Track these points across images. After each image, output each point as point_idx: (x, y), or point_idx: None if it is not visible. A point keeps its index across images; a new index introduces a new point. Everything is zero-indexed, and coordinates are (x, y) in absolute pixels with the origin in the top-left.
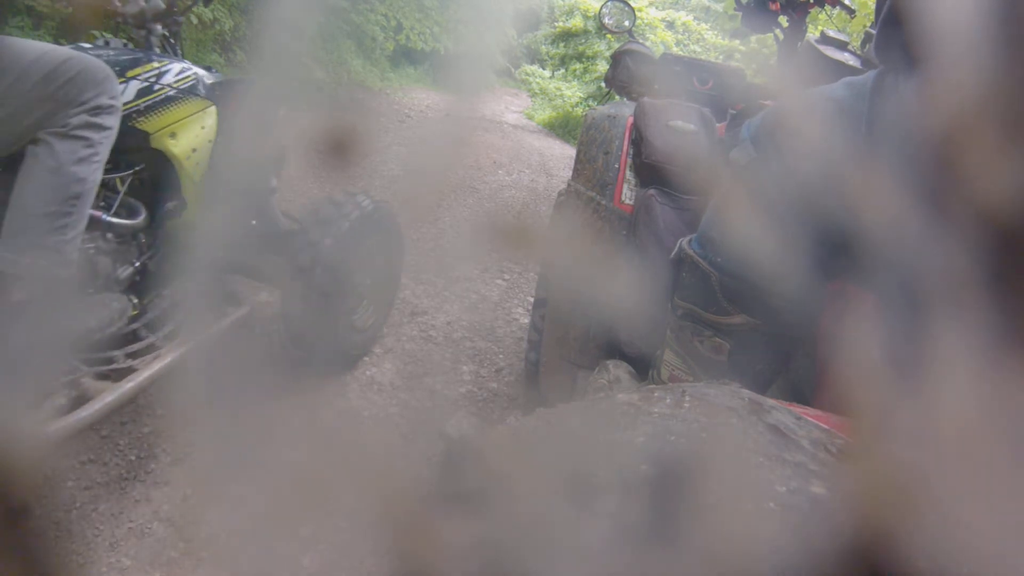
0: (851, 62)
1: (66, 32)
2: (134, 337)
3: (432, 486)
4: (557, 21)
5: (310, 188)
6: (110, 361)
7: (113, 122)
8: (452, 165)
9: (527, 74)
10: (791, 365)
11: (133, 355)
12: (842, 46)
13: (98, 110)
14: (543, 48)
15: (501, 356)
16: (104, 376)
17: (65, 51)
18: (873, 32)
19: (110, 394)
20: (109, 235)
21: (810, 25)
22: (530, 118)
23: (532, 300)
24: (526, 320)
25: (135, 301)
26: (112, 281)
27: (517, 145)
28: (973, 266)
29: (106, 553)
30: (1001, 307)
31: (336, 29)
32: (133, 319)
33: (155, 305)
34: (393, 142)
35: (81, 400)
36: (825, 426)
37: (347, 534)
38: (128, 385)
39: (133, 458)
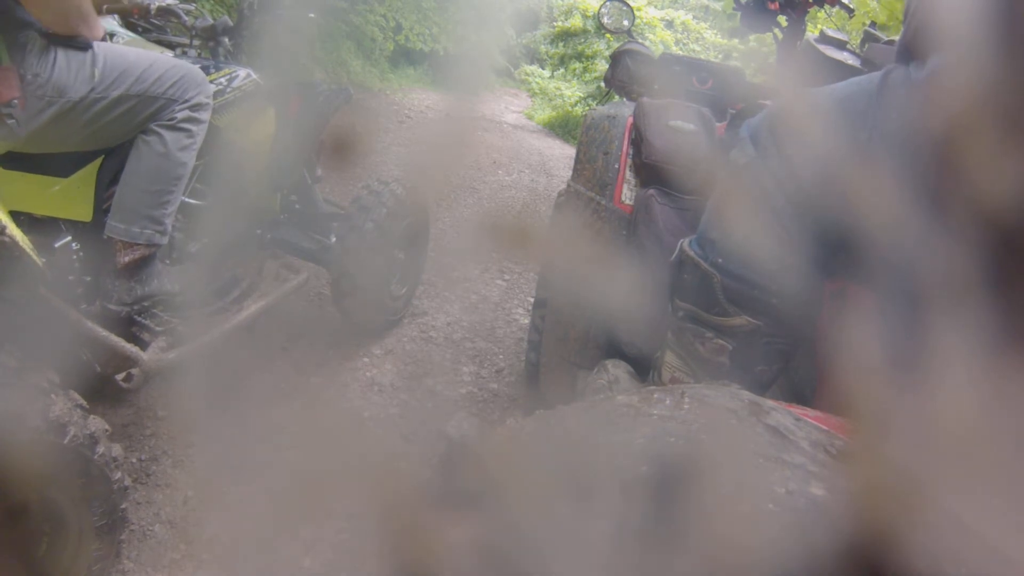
0: (850, 61)
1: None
2: (208, 299)
3: (433, 487)
4: (556, 21)
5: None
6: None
7: (207, 117)
8: (452, 165)
9: (527, 74)
10: (792, 365)
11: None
12: (841, 45)
13: (198, 107)
14: (542, 48)
15: (501, 357)
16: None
17: (170, 58)
18: (873, 31)
19: (202, 336)
20: (181, 215)
21: (809, 24)
22: (530, 118)
23: (532, 300)
24: (526, 320)
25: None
26: (185, 253)
27: (517, 145)
28: (975, 266)
29: None
30: (1001, 307)
31: (335, 29)
32: (207, 284)
33: (221, 274)
34: (393, 143)
35: (176, 343)
36: (824, 427)
37: (348, 535)
38: (216, 331)
39: (135, 460)
